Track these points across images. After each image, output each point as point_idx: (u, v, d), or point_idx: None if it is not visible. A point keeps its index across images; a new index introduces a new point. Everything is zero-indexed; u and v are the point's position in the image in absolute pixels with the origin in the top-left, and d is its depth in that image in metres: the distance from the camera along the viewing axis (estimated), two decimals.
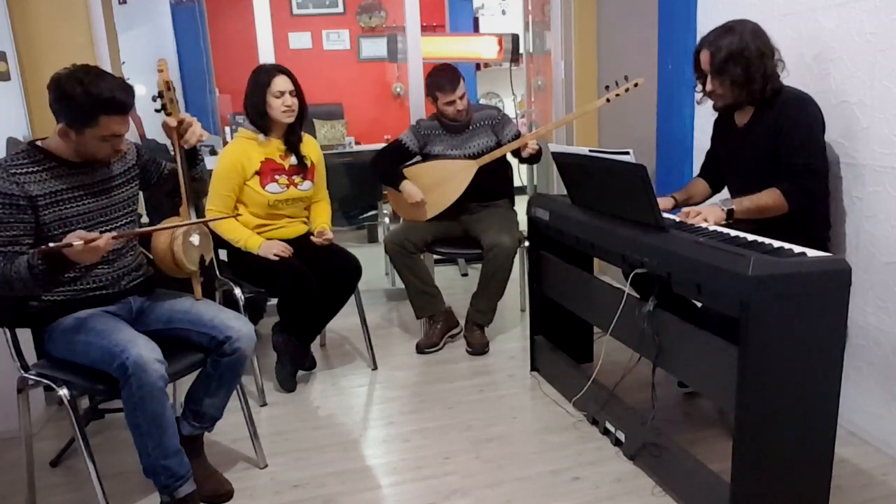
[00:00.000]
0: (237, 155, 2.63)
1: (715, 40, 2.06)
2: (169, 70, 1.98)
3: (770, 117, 2.08)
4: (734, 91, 2.08)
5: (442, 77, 3.01)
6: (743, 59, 2.01)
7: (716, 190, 2.43)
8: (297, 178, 2.74)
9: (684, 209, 2.08)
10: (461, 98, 3.02)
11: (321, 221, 2.86)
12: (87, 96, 1.70)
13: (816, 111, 2.03)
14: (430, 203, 3.10)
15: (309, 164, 2.79)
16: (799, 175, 2.01)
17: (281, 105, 2.60)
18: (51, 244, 1.60)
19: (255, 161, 2.64)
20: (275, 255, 2.59)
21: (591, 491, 2.01)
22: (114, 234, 1.67)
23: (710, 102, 2.20)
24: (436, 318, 3.14)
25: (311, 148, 2.83)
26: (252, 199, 2.67)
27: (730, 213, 2.03)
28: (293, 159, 2.73)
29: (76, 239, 1.60)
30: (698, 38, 2.15)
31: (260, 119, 2.65)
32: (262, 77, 2.62)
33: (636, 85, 2.72)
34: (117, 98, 1.74)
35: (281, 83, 2.60)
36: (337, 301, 2.77)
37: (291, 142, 2.72)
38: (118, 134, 1.80)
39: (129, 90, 1.79)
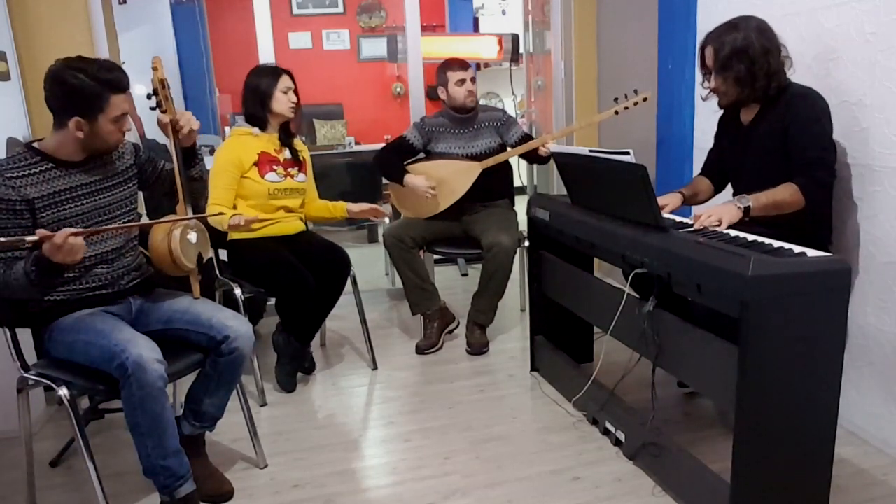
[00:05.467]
0: (234, 149, 2.68)
1: (719, 37, 2.05)
2: (164, 68, 1.99)
3: (776, 114, 2.06)
4: (738, 88, 2.07)
5: (452, 61, 3.12)
6: (746, 57, 2.00)
7: (718, 189, 2.41)
8: (292, 170, 2.81)
9: (696, 214, 2.02)
10: (472, 80, 3.09)
11: (341, 206, 2.94)
12: (95, 80, 1.74)
13: (824, 104, 2.02)
14: (432, 201, 3.10)
15: (302, 158, 2.88)
16: (813, 168, 1.99)
17: (288, 101, 2.73)
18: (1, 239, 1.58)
19: (252, 153, 2.70)
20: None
21: (591, 491, 2.01)
22: (73, 230, 1.64)
23: (714, 100, 2.18)
24: (432, 316, 3.14)
25: (301, 146, 2.94)
26: (252, 190, 2.69)
27: (746, 210, 1.97)
28: (287, 153, 2.82)
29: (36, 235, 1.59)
30: (698, 38, 2.15)
31: (261, 113, 2.74)
32: (270, 74, 2.74)
33: (645, 99, 2.78)
34: (118, 76, 1.80)
35: (287, 81, 2.75)
36: (331, 296, 2.78)
37: (285, 138, 2.81)
38: (125, 112, 1.84)
39: (121, 68, 1.83)
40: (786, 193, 1.98)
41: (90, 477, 1.80)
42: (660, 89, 3.23)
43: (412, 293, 3.09)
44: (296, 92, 2.77)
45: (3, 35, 2.77)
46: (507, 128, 3.16)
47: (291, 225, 2.82)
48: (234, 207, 2.68)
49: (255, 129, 2.75)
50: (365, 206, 2.91)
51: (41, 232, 1.60)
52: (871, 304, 2.11)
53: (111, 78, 1.77)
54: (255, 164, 2.70)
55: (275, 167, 2.74)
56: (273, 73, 2.74)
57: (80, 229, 1.66)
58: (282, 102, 2.72)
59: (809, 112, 2.01)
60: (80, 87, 1.73)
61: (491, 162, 3.05)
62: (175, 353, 1.90)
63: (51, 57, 1.79)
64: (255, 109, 2.74)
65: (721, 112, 2.32)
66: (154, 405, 1.75)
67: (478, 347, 3.06)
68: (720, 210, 1.98)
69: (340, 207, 2.94)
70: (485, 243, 2.93)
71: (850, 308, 1.61)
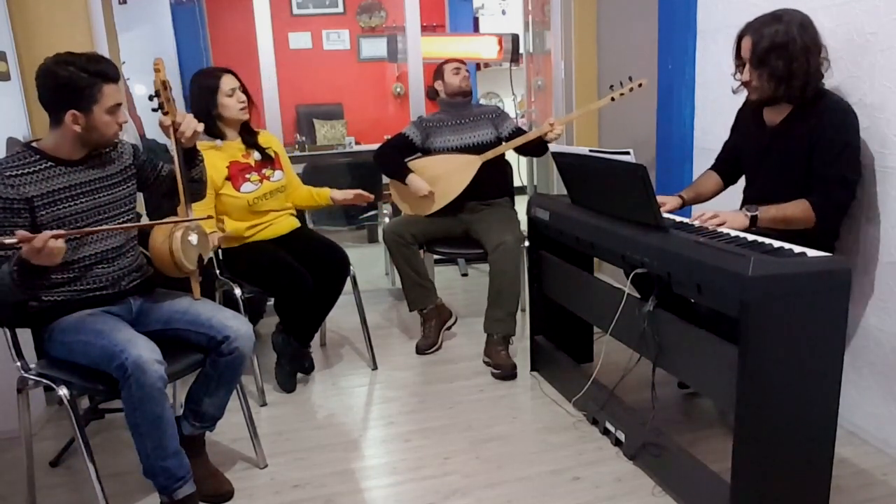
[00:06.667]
0: None
1: (759, 28, 1.94)
2: (165, 69, 1.99)
3: (807, 121, 1.97)
4: (772, 85, 1.96)
5: (446, 59, 3.25)
6: (786, 52, 1.89)
7: (728, 183, 2.36)
8: (266, 171, 2.72)
9: (699, 211, 1.98)
10: (466, 69, 3.22)
11: (325, 193, 2.87)
12: (85, 72, 1.76)
13: (855, 120, 1.95)
14: (434, 197, 3.10)
15: (273, 154, 2.78)
16: (831, 187, 1.93)
17: (236, 102, 2.60)
18: None
19: (220, 168, 2.59)
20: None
21: (591, 491, 2.01)
22: (55, 231, 1.61)
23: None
24: (429, 315, 3.14)
25: (269, 139, 2.82)
26: (232, 206, 2.62)
27: (753, 219, 1.93)
28: (256, 155, 2.71)
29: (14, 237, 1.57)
30: (698, 38, 2.13)
31: (213, 124, 2.61)
32: (207, 81, 2.60)
33: (640, 85, 2.76)
34: (107, 66, 1.82)
35: (229, 81, 2.60)
36: (330, 296, 2.75)
37: (248, 139, 2.71)
38: (119, 102, 1.84)
39: (109, 60, 1.85)
40: (797, 210, 1.94)
41: (90, 477, 1.80)
42: (660, 89, 3.23)
43: (410, 290, 3.09)
44: (244, 90, 2.63)
45: (3, 35, 2.77)
46: (501, 120, 3.21)
47: (284, 224, 2.79)
48: (222, 222, 2.65)
49: (218, 141, 2.62)
50: (350, 192, 2.82)
51: (20, 234, 1.57)
52: (871, 304, 2.11)
53: (101, 68, 1.79)
54: (228, 178, 2.60)
55: (248, 175, 2.64)
56: (212, 76, 2.58)
57: (62, 231, 1.65)
58: (230, 107, 2.59)
59: (841, 127, 1.93)
60: (71, 79, 1.74)
61: (490, 154, 3.06)
62: (175, 353, 1.90)
63: None
64: (206, 121, 2.54)
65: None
66: (154, 406, 1.75)
67: (507, 370, 2.76)
68: (728, 214, 1.95)
69: (324, 195, 2.86)
70: (489, 245, 2.90)
71: (850, 308, 1.60)
